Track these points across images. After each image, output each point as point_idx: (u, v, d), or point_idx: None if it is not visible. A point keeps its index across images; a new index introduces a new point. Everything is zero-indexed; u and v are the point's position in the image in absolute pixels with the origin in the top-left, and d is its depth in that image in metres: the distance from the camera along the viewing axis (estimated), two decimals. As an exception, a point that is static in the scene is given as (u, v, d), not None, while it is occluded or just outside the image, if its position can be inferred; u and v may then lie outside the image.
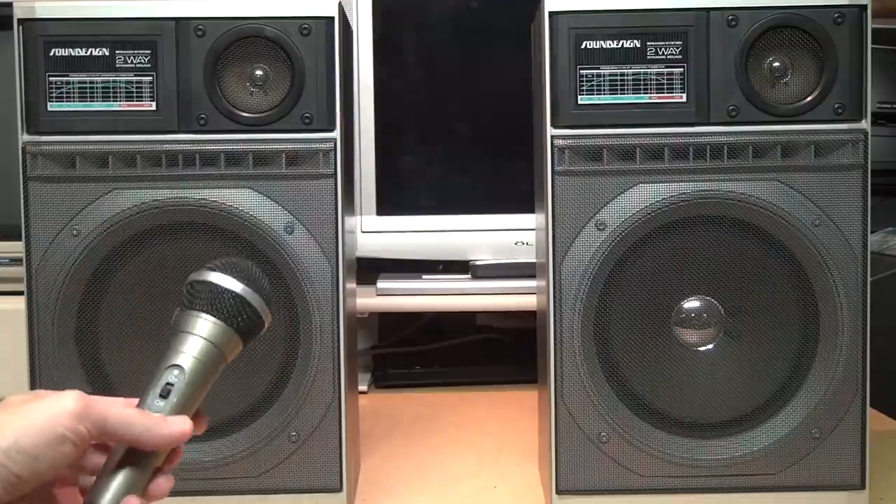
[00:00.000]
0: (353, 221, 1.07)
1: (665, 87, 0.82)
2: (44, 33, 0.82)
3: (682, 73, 0.82)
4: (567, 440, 0.84)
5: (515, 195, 1.21)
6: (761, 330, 0.84)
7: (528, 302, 1.05)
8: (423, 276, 1.34)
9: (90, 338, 0.84)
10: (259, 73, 0.83)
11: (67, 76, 0.83)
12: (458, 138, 1.38)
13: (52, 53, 0.82)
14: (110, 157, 0.83)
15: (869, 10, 0.81)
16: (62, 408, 0.49)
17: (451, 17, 1.40)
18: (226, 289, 0.57)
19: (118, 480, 0.52)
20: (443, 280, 1.32)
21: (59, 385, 0.83)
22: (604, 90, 0.82)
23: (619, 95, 0.82)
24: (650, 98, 0.82)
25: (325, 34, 0.83)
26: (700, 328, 0.84)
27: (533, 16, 0.89)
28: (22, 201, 0.83)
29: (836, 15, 0.81)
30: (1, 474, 0.47)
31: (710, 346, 0.85)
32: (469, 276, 1.32)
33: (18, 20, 0.82)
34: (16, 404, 0.50)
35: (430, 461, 1.02)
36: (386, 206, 1.34)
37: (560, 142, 0.82)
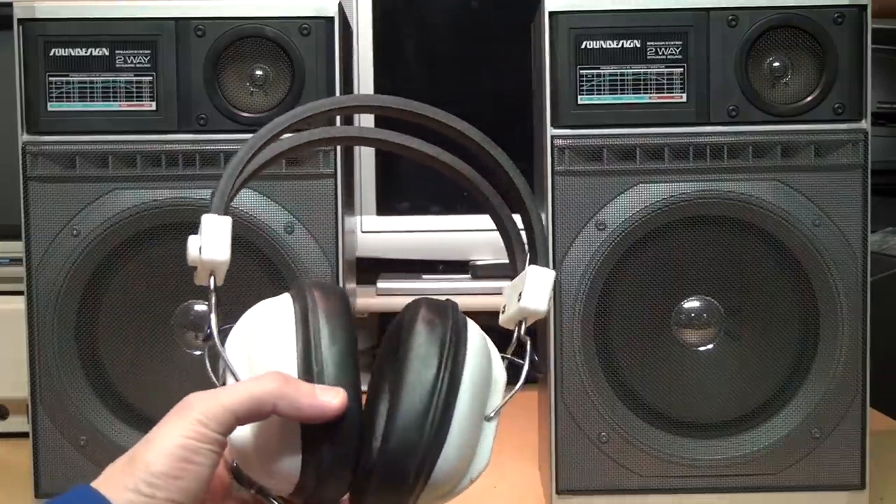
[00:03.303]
0: (353, 221, 1.07)
1: (665, 87, 0.82)
2: (44, 33, 0.82)
3: (682, 73, 0.82)
4: (567, 440, 0.84)
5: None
6: (761, 330, 0.84)
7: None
8: (423, 276, 1.34)
9: (90, 338, 0.84)
10: (259, 73, 0.83)
11: (67, 76, 0.83)
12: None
13: (52, 53, 0.82)
14: (110, 157, 0.83)
15: (869, 10, 0.81)
16: (184, 420, 0.47)
17: (451, 17, 1.40)
18: None
19: None
20: (443, 280, 1.32)
21: (59, 385, 0.83)
22: (604, 90, 0.82)
23: (619, 95, 0.82)
24: (650, 98, 0.82)
25: (325, 34, 0.83)
26: (700, 328, 0.84)
27: (533, 16, 0.89)
28: (22, 201, 0.83)
29: (836, 15, 0.81)
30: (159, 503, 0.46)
31: (710, 346, 0.85)
32: (469, 276, 1.32)
33: (18, 20, 0.82)
34: (142, 439, 0.49)
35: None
36: (386, 206, 1.34)
37: (560, 142, 0.82)
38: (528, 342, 0.55)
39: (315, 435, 0.48)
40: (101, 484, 0.47)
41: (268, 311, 0.52)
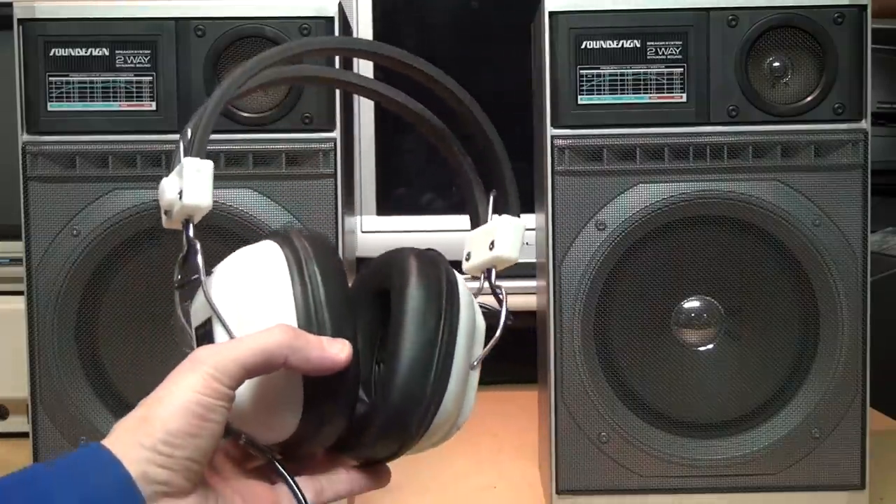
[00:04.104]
0: (353, 221, 1.07)
1: (665, 87, 0.82)
2: (44, 33, 0.82)
3: (682, 73, 0.82)
4: (567, 440, 0.84)
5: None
6: (761, 330, 0.84)
7: (528, 302, 1.05)
8: (423, 276, 1.34)
9: (90, 338, 0.84)
10: (259, 73, 0.83)
11: (67, 76, 0.83)
12: (458, 138, 1.38)
13: (52, 53, 0.82)
14: (110, 157, 0.83)
15: (869, 10, 0.81)
16: (196, 374, 0.46)
17: (451, 17, 1.40)
18: None
19: None
20: (443, 280, 1.32)
21: (59, 385, 0.83)
22: (604, 90, 0.82)
23: (619, 95, 0.82)
24: (650, 98, 0.82)
25: (325, 34, 0.83)
26: (700, 328, 0.84)
27: (533, 16, 0.88)
28: (22, 201, 0.83)
29: (836, 15, 0.81)
30: (178, 463, 0.45)
31: (710, 346, 0.84)
32: (469, 276, 1.32)
33: (18, 20, 0.82)
34: (151, 397, 0.47)
35: (429, 460, 1.02)
36: (386, 206, 1.34)
37: (560, 142, 0.82)
38: (502, 291, 0.56)
39: (317, 386, 0.48)
40: (113, 443, 0.45)
41: (254, 260, 0.51)
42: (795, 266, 0.83)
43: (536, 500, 0.91)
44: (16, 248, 0.86)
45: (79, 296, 0.83)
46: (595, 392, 0.83)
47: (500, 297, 0.55)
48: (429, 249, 0.54)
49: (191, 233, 0.50)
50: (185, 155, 0.50)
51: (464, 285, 0.54)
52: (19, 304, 0.84)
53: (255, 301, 0.49)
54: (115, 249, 0.83)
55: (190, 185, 0.49)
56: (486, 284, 0.56)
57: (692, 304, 0.84)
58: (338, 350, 0.48)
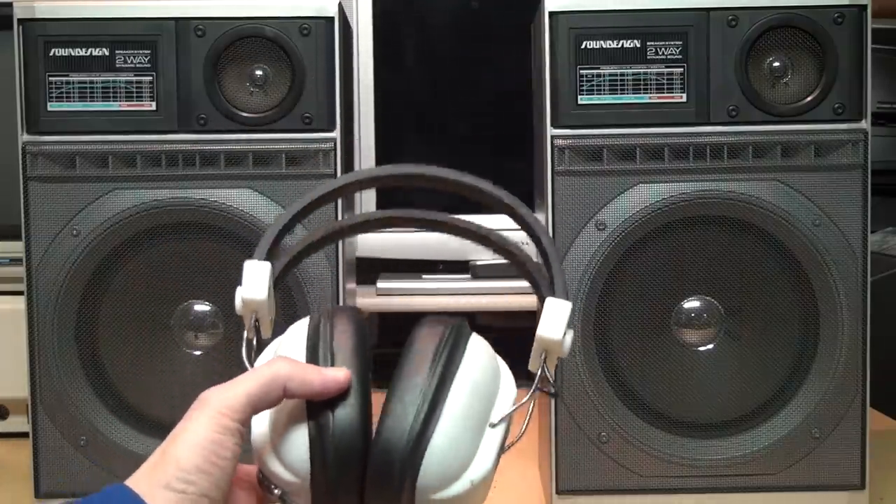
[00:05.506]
0: (353, 221, 1.06)
1: (665, 87, 0.82)
2: (44, 33, 0.82)
3: (682, 73, 0.82)
4: (567, 440, 0.84)
5: (515, 195, 1.21)
6: (761, 330, 0.84)
7: (528, 302, 1.05)
8: (423, 276, 1.34)
9: (90, 338, 0.84)
10: (259, 73, 0.83)
11: (67, 76, 0.83)
12: (458, 138, 1.38)
13: (52, 53, 0.82)
14: (110, 157, 0.83)
15: (869, 10, 0.81)
16: (204, 414, 0.49)
17: (451, 17, 1.40)
18: None
19: None
20: (443, 280, 1.32)
21: (59, 385, 0.83)
22: (604, 90, 0.82)
23: (619, 95, 0.82)
24: (650, 98, 0.82)
25: (325, 34, 0.83)
26: (700, 328, 0.84)
27: (533, 16, 0.89)
28: (22, 201, 0.83)
29: (836, 15, 0.81)
30: (193, 499, 0.47)
31: (710, 346, 0.84)
32: (469, 276, 1.32)
33: (18, 20, 0.82)
34: (168, 437, 0.50)
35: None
36: (386, 206, 1.34)
37: (560, 142, 0.82)
38: (551, 375, 0.55)
39: (323, 417, 0.50)
40: (136, 482, 0.48)
41: (291, 329, 0.56)
42: (795, 266, 0.83)
43: (536, 500, 0.91)
44: (16, 248, 0.86)
45: (79, 296, 0.83)
46: (595, 392, 0.83)
47: (550, 391, 0.55)
48: (455, 314, 0.56)
49: (250, 323, 0.55)
50: (248, 258, 0.56)
51: (482, 344, 0.55)
52: (19, 304, 0.84)
53: (276, 352, 0.54)
54: (115, 249, 0.83)
55: (246, 282, 0.55)
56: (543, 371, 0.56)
57: (692, 304, 0.84)
58: (335, 373, 0.50)
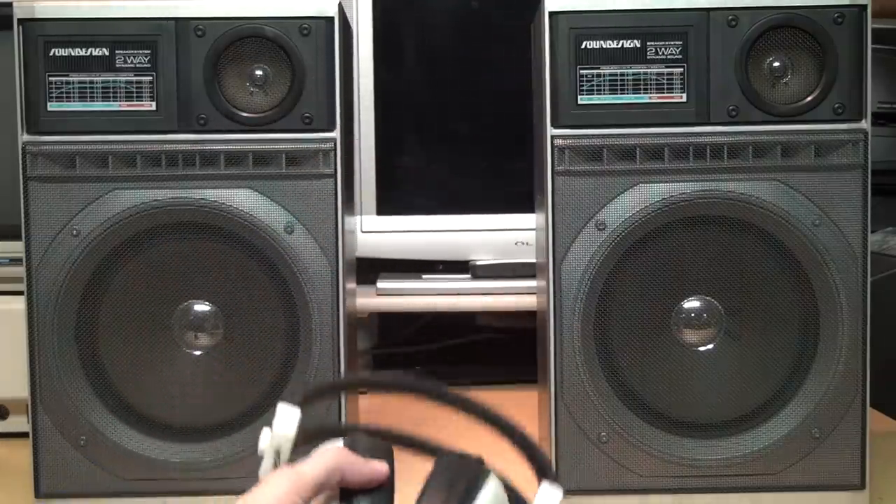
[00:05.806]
0: (353, 221, 1.07)
1: (665, 87, 0.82)
2: (44, 33, 0.82)
3: (682, 73, 0.82)
4: (567, 440, 0.84)
5: (515, 195, 1.21)
6: (761, 330, 0.84)
7: (528, 302, 1.05)
8: (423, 276, 1.34)
9: (90, 338, 0.84)
10: (259, 73, 0.83)
11: (67, 76, 0.83)
12: (459, 138, 1.38)
13: (52, 53, 0.82)
14: (110, 157, 0.83)
15: (869, 10, 0.81)
16: (279, 486, 0.51)
17: (451, 17, 1.40)
18: None
19: None
20: (443, 280, 1.32)
21: (59, 385, 0.83)
22: (604, 90, 0.82)
23: (619, 95, 0.82)
24: (650, 98, 0.82)
25: (325, 34, 0.83)
26: (700, 328, 0.84)
27: (533, 16, 0.89)
28: (22, 201, 0.83)
29: (836, 15, 0.81)
30: None
31: (710, 346, 0.84)
32: (469, 276, 1.32)
33: (18, 20, 0.82)
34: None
35: (429, 461, 1.02)
36: (386, 206, 1.34)
37: (560, 142, 0.82)
38: None
39: None
40: None
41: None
42: (795, 266, 0.83)
43: (536, 500, 0.90)
44: (16, 248, 0.86)
45: (79, 296, 0.83)
46: (595, 392, 0.83)
47: None
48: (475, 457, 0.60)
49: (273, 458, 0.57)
50: (281, 401, 0.58)
51: (496, 484, 0.60)
52: (19, 304, 0.84)
53: None
54: (115, 249, 0.83)
55: (277, 422, 0.57)
56: None
57: (692, 304, 0.84)
58: (377, 465, 0.56)
